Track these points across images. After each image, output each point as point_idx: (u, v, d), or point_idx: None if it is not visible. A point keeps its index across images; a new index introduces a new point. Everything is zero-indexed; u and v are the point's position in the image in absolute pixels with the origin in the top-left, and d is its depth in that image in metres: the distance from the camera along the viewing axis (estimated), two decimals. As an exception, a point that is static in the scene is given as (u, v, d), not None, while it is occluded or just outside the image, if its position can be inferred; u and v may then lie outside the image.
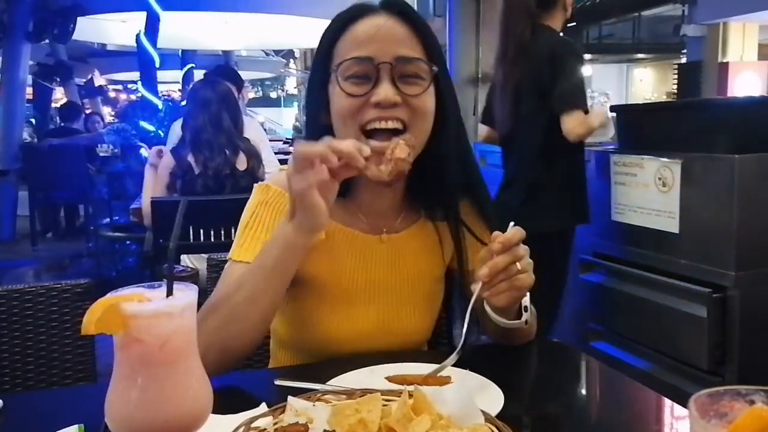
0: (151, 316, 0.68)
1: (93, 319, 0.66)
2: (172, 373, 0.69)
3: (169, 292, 0.72)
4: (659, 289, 2.47)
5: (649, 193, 2.48)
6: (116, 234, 5.72)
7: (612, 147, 2.98)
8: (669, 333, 2.45)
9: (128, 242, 5.67)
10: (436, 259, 1.25)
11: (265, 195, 1.18)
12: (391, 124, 1.07)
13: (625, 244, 2.66)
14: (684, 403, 0.96)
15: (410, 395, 0.75)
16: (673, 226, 2.39)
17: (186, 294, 0.72)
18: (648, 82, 15.84)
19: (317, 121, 1.15)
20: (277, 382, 0.89)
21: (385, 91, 1.06)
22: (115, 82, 18.30)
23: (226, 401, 0.83)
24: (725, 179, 2.20)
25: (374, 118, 1.07)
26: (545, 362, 1.21)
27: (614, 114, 3.27)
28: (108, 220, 6.64)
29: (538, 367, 1.21)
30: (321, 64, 1.13)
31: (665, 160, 2.40)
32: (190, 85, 3.17)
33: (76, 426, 0.88)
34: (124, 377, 0.69)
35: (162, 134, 5.77)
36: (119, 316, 0.67)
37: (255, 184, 1.22)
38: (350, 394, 0.82)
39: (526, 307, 1.09)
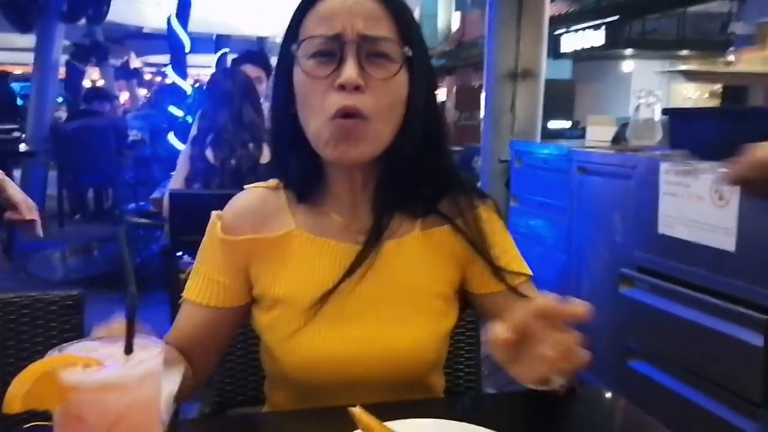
0: (98, 389, 0.53)
1: (19, 393, 0.50)
2: (124, 460, 0.54)
3: (128, 350, 0.56)
4: (709, 312, 2.27)
5: (702, 206, 2.27)
6: (141, 220, 5.64)
7: (660, 152, 2.76)
8: (718, 360, 2.25)
9: (153, 228, 5.59)
10: (437, 272, 1.06)
11: (214, 228, 1.06)
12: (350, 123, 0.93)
13: (673, 260, 2.45)
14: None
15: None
16: (728, 243, 2.18)
17: (148, 354, 0.56)
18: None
19: (284, 112, 1.01)
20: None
21: (348, 71, 0.91)
22: (151, 65, 18.35)
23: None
24: (792, 196, 1.99)
25: (340, 108, 0.92)
26: (571, 411, 1.03)
27: (665, 117, 3.07)
28: (133, 205, 6.59)
29: (564, 417, 1.03)
30: (287, 47, 1.00)
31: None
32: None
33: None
34: (62, 463, 0.54)
35: (190, 120, 5.66)
36: (56, 387, 0.52)
37: (213, 213, 1.08)
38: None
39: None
